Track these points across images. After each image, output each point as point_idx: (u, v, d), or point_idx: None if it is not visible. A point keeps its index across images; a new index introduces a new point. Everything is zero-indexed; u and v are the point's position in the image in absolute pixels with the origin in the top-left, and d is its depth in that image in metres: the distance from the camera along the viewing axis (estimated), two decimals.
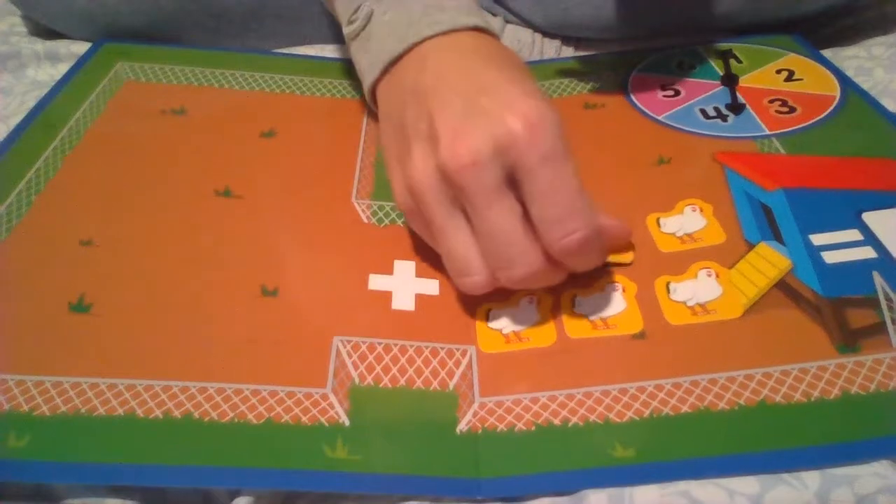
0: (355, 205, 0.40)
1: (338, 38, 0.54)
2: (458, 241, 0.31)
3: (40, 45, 0.53)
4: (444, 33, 0.35)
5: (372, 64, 0.38)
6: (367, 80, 0.38)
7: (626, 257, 0.36)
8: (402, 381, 0.32)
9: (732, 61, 0.50)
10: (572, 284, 0.35)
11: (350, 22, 0.39)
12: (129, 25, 0.52)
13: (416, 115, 0.32)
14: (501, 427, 0.30)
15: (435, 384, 0.32)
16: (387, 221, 0.39)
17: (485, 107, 0.30)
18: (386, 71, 0.37)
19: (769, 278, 0.34)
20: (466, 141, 0.29)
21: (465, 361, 0.33)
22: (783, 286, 0.34)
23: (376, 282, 0.36)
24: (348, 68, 0.52)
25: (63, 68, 0.50)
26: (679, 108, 0.46)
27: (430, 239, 0.34)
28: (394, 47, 0.36)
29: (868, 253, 0.34)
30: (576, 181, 0.30)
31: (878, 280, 0.33)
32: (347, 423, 0.30)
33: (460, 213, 0.31)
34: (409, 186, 0.32)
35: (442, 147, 0.30)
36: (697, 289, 0.34)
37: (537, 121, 0.29)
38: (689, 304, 0.34)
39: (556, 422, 0.30)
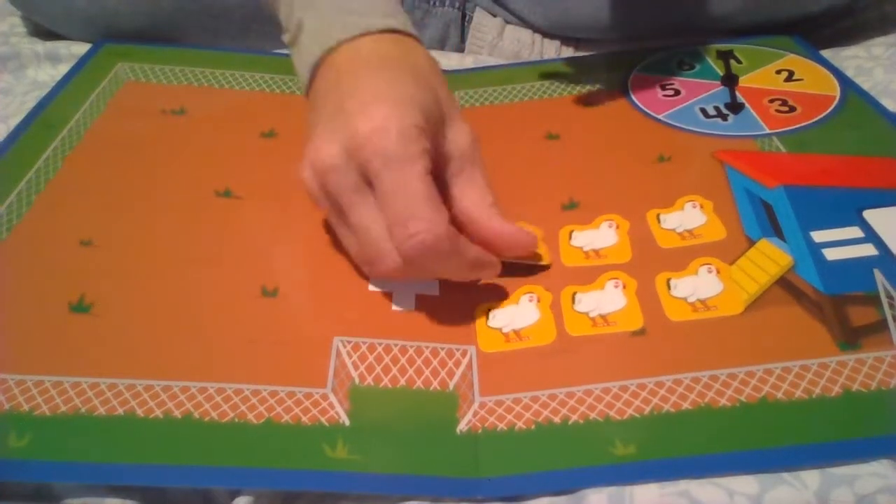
0: None
1: None
2: (372, 224, 0.32)
3: (40, 46, 0.53)
4: (356, 37, 0.35)
5: (302, 73, 0.38)
6: (303, 88, 0.38)
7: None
8: (403, 381, 0.31)
9: (732, 61, 0.50)
10: (572, 282, 0.35)
11: (286, 31, 0.39)
12: (128, 26, 0.52)
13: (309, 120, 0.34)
14: (501, 426, 0.30)
15: (435, 384, 0.31)
16: None
17: (346, 110, 0.31)
18: (313, 77, 0.37)
19: (770, 275, 0.34)
20: (324, 146, 0.31)
21: (465, 361, 0.33)
22: (784, 283, 0.34)
23: (376, 282, 0.36)
24: None
25: (63, 69, 0.50)
26: (679, 107, 0.46)
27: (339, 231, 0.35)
28: (314, 54, 0.36)
29: (869, 250, 0.34)
30: (421, 185, 0.30)
31: (880, 277, 0.33)
32: (347, 423, 0.30)
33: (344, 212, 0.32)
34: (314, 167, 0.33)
35: (308, 151, 0.32)
36: (698, 285, 0.34)
37: (381, 124, 0.30)
38: (690, 300, 0.34)
39: (557, 420, 0.30)
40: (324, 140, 0.31)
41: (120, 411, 0.29)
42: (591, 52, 0.54)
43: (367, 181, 0.31)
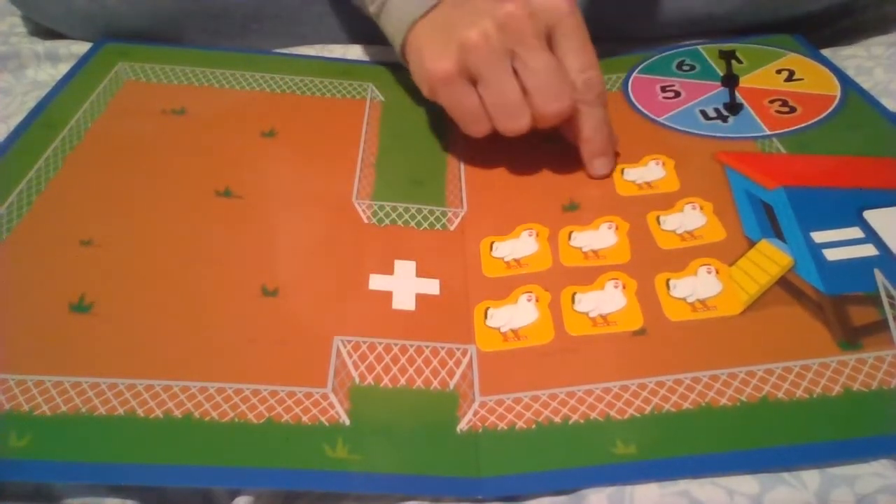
0: (355, 205, 0.40)
1: (337, 37, 0.54)
2: (511, 86, 0.38)
3: (40, 46, 0.53)
4: None
5: (397, 29, 0.43)
6: (396, 43, 0.44)
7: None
8: (403, 381, 0.31)
9: (733, 62, 0.50)
10: (571, 282, 0.35)
11: (372, 2, 0.45)
12: (129, 26, 0.52)
13: (468, 10, 0.39)
14: (502, 426, 0.30)
15: (435, 384, 0.31)
16: (387, 221, 0.39)
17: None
18: (413, 24, 0.42)
19: (770, 275, 0.34)
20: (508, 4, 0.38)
21: (465, 361, 0.33)
22: (784, 283, 0.34)
23: (376, 282, 0.36)
24: (348, 68, 0.52)
25: (63, 68, 0.50)
26: (679, 109, 0.46)
27: (467, 109, 0.40)
28: (415, 11, 0.42)
29: (869, 251, 0.34)
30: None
31: (880, 277, 0.33)
32: (348, 422, 0.30)
33: (509, 66, 0.38)
34: (465, 46, 0.38)
35: (507, 3, 0.38)
36: (697, 285, 0.34)
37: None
38: (689, 300, 0.34)
39: (557, 420, 0.30)
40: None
41: (120, 411, 0.29)
42: None
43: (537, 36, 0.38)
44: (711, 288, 0.34)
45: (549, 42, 0.38)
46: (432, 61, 0.39)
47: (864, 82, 0.47)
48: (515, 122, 0.39)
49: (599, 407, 0.30)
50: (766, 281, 0.34)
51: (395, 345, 0.33)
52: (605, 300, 0.34)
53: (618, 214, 0.39)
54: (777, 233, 0.36)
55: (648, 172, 0.41)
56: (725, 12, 0.51)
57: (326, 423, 0.29)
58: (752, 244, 0.36)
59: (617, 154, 0.42)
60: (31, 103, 0.46)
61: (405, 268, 0.37)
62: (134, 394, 0.30)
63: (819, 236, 0.35)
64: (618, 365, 0.31)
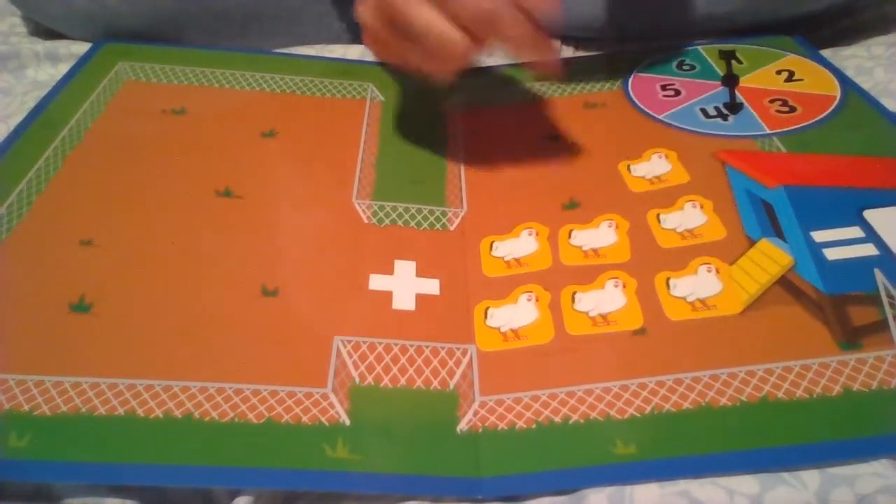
0: (355, 205, 0.40)
1: (337, 37, 0.54)
2: (434, 18, 0.36)
3: (40, 46, 0.53)
4: None
5: None
6: None
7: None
8: (403, 381, 0.31)
9: (733, 62, 0.50)
10: (571, 281, 0.35)
11: None
12: (128, 26, 0.52)
13: None
14: (502, 426, 0.30)
15: (435, 384, 0.31)
16: (387, 221, 0.39)
17: None
18: None
19: (771, 274, 0.34)
20: None
21: (465, 361, 0.33)
22: (784, 283, 0.34)
23: (376, 282, 0.36)
24: (348, 68, 0.52)
25: (63, 68, 0.50)
26: (679, 107, 0.46)
27: (397, 49, 0.39)
28: None
29: (870, 250, 0.34)
30: None
31: (880, 277, 0.33)
32: (348, 422, 0.30)
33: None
34: None
35: None
36: (697, 284, 0.34)
37: None
38: (689, 299, 0.34)
39: (557, 419, 0.30)
40: None
41: (120, 411, 0.29)
42: (591, 53, 0.54)
43: None
44: (711, 287, 0.34)
45: None
46: (362, 23, 0.40)
47: (864, 82, 0.47)
48: (455, 47, 0.37)
49: (599, 407, 0.30)
50: (767, 280, 0.34)
51: (395, 345, 0.33)
52: (605, 299, 0.34)
53: (618, 212, 0.39)
54: (777, 232, 0.36)
55: (655, 166, 0.41)
56: (725, 12, 0.51)
57: (326, 423, 0.29)
58: (752, 243, 0.36)
59: (622, 152, 0.42)
60: (31, 103, 0.46)
61: (405, 268, 0.37)
62: (134, 394, 0.30)
63: (819, 235, 0.35)
64: (618, 365, 0.31)
